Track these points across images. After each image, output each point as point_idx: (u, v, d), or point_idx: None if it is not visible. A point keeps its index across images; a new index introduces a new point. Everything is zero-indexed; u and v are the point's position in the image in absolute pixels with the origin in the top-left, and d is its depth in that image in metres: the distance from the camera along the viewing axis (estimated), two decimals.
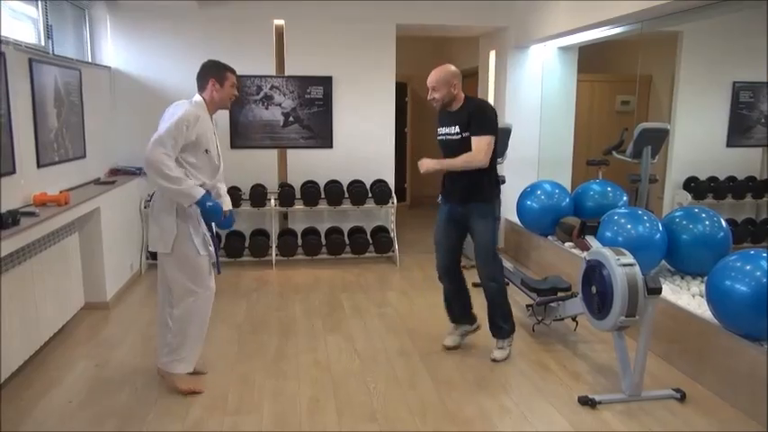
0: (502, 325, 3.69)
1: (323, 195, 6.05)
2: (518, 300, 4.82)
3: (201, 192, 3.02)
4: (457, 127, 3.47)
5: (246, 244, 6.00)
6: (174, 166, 2.96)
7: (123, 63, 5.79)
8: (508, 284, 5.14)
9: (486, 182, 3.47)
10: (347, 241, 6.10)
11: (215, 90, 3.14)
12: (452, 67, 3.50)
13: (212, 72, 3.15)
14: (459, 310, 3.85)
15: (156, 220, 3.15)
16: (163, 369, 3.31)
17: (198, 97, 3.16)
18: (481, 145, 3.34)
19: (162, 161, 2.92)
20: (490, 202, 3.50)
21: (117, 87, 5.76)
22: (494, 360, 3.67)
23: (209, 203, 3.05)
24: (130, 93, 5.83)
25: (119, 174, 5.52)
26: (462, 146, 3.43)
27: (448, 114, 3.54)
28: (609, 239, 4.43)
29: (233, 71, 3.20)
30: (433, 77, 3.46)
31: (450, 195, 3.61)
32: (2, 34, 3.86)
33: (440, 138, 3.58)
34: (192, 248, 3.15)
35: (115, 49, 5.75)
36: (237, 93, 3.26)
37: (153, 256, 5.70)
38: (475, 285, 4.09)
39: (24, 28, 4.39)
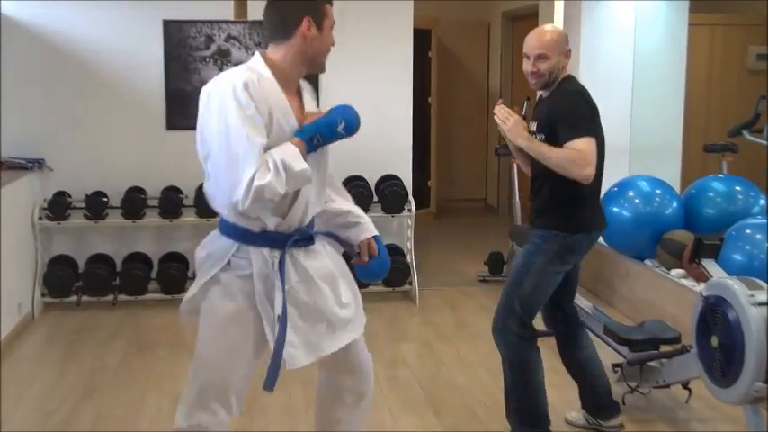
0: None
1: None
2: (599, 356, 4.81)
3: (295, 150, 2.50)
4: (534, 124, 3.57)
5: (190, 273, 6.02)
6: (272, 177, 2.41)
7: (11, 5, 5.85)
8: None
9: (564, 201, 3.49)
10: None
11: (308, 38, 2.59)
12: (560, 29, 3.68)
13: (305, 5, 2.59)
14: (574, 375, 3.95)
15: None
16: None
17: (255, 59, 2.65)
18: (586, 150, 3.33)
19: (266, 187, 2.39)
20: (552, 230, 3.50)
21: (5, 41, 5.82)
22: None
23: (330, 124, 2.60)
24: (23, 49, 5.89)
25: (1, 168, 5.58)
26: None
27: (539, 102, 3.65)
28: (738, 266, 4.41)
29: (331, 1, 2.69)
30: (537, 40, 3.47)
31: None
32: None
33: None
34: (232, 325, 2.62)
35: None
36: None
37: (52, 291, 5.76)
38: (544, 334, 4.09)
39: None
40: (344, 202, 2.92)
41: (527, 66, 3.49)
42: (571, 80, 3.56)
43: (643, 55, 6.46)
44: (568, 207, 3.49)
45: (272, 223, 2.58)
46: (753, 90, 6.80)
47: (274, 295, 2.59)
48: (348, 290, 2.82)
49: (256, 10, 6.01)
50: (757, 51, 7.44)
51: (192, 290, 2.69)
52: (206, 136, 2.56)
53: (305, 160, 2.50)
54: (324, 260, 2.75)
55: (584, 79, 6.21)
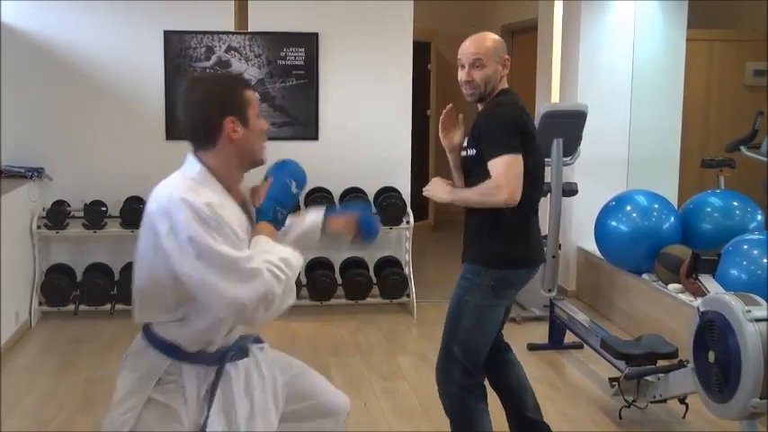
0: None
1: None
2: (596, 370, 4.81)
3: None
4: (466, 140, 3.36)
5: None
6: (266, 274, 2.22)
7: (12, 15, 5.87)
8: (583, 348, 5.14)
9: (487, 230, 3.26)
10: (339, 280, 6.12)
11: (235, 139, 2.35)
12: (494, 35, 3.38)
13: (220, 103, 2.33)
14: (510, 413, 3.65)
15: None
16: None
17: (193, 166, 2.38)
18: (498, 170, 3.06)
19: (268, 287, 2.20)
20: (481, 265, 3.26)
21: (6, 49, 5.83)
22: None
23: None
24: (23, 58, 5.91)
25: (1, 176, 5.58)
26: (476, 170, 3.25)
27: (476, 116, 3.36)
28: (735, 281, 4.42)
29: (247, 82, 2.51)
30: (474, 45, 3.28)
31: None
32: None
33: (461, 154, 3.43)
34: None
35: None
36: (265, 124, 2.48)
37: (49, 300, 5.75)
38: None
39: None
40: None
41: (461, 74, 3.27)
42: (507, 93, 3.29)
43: (641, 70, 6.48)
44: (492, 241, 3.24)
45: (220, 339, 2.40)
46: (750, 105, 6.83)
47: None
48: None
49: (257, 21, 6.08)
50: (755, 67, 7.47)
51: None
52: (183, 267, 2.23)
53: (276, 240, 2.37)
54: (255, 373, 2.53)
55: (583, 94, 6.29)
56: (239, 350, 2.48)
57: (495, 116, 3.20)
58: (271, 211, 2.42)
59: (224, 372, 2.39)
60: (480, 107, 3.34)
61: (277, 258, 2.26)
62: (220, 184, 2.37)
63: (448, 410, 3.40)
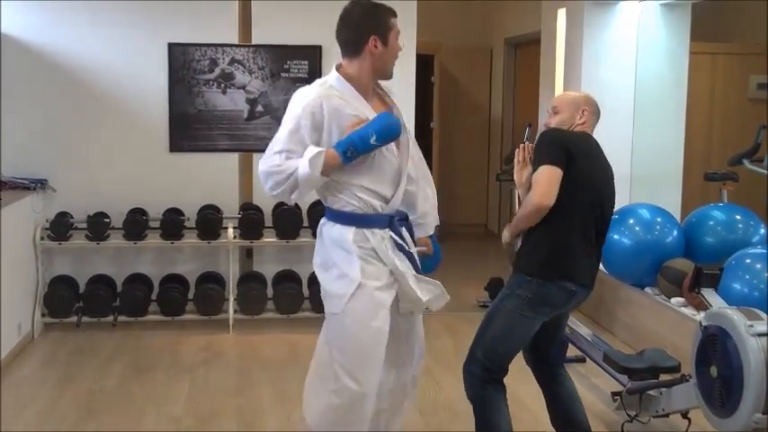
0: None
1: (305, 223, 6.09)
2: (599, 383, 4.80)
3: (317, 150, 2.98)
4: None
5: (190, 295, 6.03)
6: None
7: (18, 27, 5.90)
8: (585, 361, 5.13)
9: (533, 242, 3.41)
10: (306, 293, 6.09)
11: (375, 54, 3.08)
12: (587, 93, 3.75)
13: (371, 25, 3.06)
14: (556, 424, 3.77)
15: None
16: None
17: (333, 73, 3.14)
18: (534, 180, 3.34)
19: (271, 166, 3.02)
20: (523, 275, 3.38)
21: (7, 61, 5.86)
22: None
23: (355, 139, 2.98)
24: (27, 69, 5.93)
25: (3, 188, 5.59)
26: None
27: None
28: (738, 295, 4.41)
29: (394, 12, 3.15)
30: (558, 97, 3.67)
31: None
32: None
33: None
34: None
35: (6, 7, 5.85)
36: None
37: (52, 312, 5.76)
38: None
39: None
40: (422, 202, 3.47)
41: (547, 118, 3.59)
42: (571, 131, 3.52)
43: (644, 83, 6.49)
44: (542, 251, 3.35)
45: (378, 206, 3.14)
46: (753, 119, 6.83)
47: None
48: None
49: (260, 34, 6.11)
50: (758, 80, 7.48)
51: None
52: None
53: (339, 167, 3.00)
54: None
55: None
56: (401, 215, 3.29)
57: (538, 141, 3.44)
58: (343, 146, 2.96)
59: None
60: None
61: (291, 169, 2.98)
62: (352, 87, 3.06)
63: (469, 398, 3.52)
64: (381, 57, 3.06)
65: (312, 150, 2.95)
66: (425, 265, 3.43)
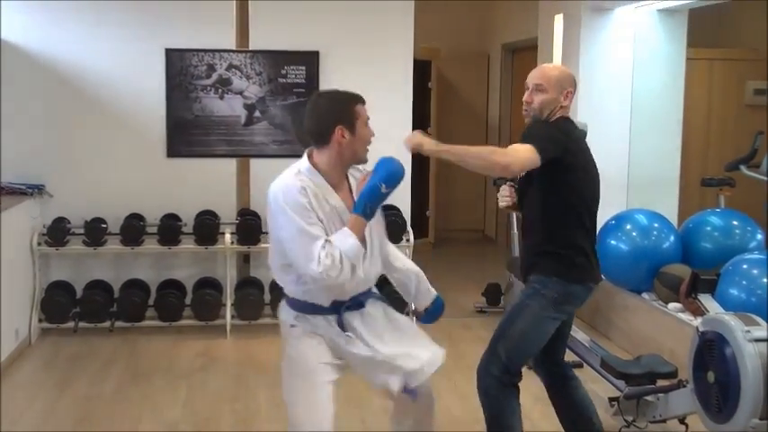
0: None
1: None
2: (596, 389, 4.79)
3: (343, 229, 2.96)
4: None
5: (188, 300, 6.03)
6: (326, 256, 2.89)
7: (16, 33, 5.91)
8: (582, 367, 5.13)
9: (556, 244, 3.43)
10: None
11: (343, 144, 3.00)
12: (567, 69, 3.63)
13: (336, 115, 3.00)
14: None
15: None
16: None
17: (305, 161, 3.05)
18: (515, 147, 3.27)
19: (326, 266, 2.86)
20: (552, 276, 3.42)
21: (7, 67, 5.87)
22: None
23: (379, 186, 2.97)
24: (26, 76, 5.94)
25: (1, 193, 5.59)
26: (529, 199, 3.52)
27: None
28: (735, 301, 4.41)
29: (361, 99, 3.09)
30: (543, 71, 3.48)
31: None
32: None
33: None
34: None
35: (4, 13, 5.87)
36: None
37: (49, 317, 5.75)
38: None
39: None
40: (404, 265, 3.47)
41: (525, 95, 3.48)
42: (564, 120, 3.46)
43: (641, 89, 6.50)
44: (567, 254, 3.41)
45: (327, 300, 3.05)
46: (751, 125, 6.86)
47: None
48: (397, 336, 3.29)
49: (258, 40, 6.11)
50: (755, 86, 7.50)
51: None
52: (281, 234, 2.96)
53: (364, 228, 2.98)
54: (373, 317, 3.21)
55: (583, 112, 6.30)
56: (355, 303, 3.11)
57: (537, 123, 3.40)
58: (361, 207, 2.95)
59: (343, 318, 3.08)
60: None
61: (339, 249, 2.88)
62: (324, 178, 3.01)
63: (484, 405, 3.53)
64: (350, 146, 3.02)
65: (340, 232, 2.93)
66: (426, 317, 3.52)
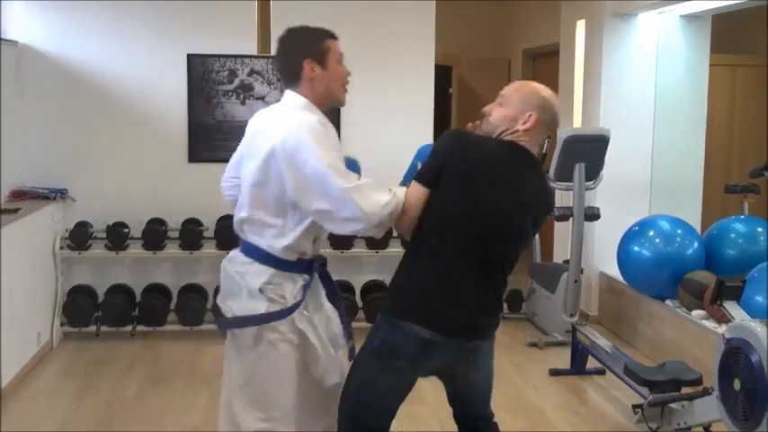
0: None
1: None
2: (619, 397, 4.77)
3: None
4: None
5: (209, 305, 6.04)
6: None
7: (37, 37, 5.96)
8: (605, 373, 5.09)
9: (396, 277, 2.90)
10: (360, 303, 6.12)
11: (315, 77, 2.80)
12: (548, 94, 2.82)
13: (303, 48, 2.83)
14: None
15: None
16: None
17: (295, 98, 2.83)
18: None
19: (377, 206, 2.71)
20: (381, 312, 2.85)
21: (26, 71, 5.92)
22: None
23: None
24: (46, 79, 5.98)
25: (24, 198, 5.64)
26: None
27: None
28: (761, 308, 4.39)
29: (332, 35, 2.92)
30: (510, 85, 2.91)
31: None
32: None
33: None
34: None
35: (26, 16, 5.93)
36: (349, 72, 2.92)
37: (71, 321, 5.78)
38: None
39: None
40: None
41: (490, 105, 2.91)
42: (519, 148, 2.76)
43: (664, 95, 6.48)
44: (397, 285, 2.86)
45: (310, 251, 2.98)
46: None
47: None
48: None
49: None
50: None
51: None
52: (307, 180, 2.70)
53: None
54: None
55: (605, 119, 6.29)
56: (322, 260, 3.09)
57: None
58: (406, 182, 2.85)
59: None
60: None
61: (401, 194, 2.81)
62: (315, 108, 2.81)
63: None
64: (322, 82, 2.80)
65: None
66: None
